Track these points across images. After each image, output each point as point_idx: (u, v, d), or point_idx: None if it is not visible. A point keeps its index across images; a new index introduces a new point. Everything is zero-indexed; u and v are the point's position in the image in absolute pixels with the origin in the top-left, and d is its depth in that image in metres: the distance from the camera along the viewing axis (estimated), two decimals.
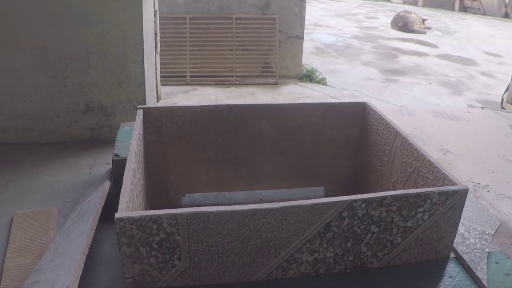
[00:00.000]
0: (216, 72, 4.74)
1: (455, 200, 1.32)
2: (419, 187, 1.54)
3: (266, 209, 1.16)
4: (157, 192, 1.82)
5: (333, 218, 1.21)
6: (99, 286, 1.38)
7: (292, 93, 4.56)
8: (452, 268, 1.40)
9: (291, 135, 1.83)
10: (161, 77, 4.60)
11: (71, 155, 2.26)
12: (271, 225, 1.18)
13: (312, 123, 1.83)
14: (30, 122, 2.30)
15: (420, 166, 1.53)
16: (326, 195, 1.95)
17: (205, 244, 1.18)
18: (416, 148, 1.55)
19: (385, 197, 1.23)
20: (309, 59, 5.49)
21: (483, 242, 1.52)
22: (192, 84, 4.66)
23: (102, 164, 2.18)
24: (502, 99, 4.17)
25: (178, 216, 1.13)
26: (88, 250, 1.31)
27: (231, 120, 1.76)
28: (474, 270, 1.37)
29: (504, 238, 1.91)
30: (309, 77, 4.87)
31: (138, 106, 1.72)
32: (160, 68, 4.58)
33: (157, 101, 2.82)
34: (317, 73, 4.93)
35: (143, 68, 2.25)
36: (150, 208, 1.79)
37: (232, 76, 4.74)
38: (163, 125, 1.74)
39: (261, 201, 1.92)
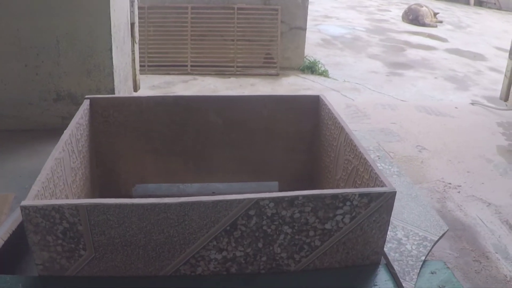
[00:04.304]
0: (217, 62, 4.72)
1: (380, 203, 1.26)
2: (356, 187, 1.48)
3: (165, 204, 1.14)
4: (107, 181, 1.83)
5: (239, 216, 1.18)
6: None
7: (292, 85, 4.49)
8: (380, 275, 1.34)
9: (241, 127, 1.80)
10: (162, 66, 4.64)
11: (41, 143, 2.29)
12: (172, 220, 1.16)
13: (262, 116, 1.80)
14: (4, 109, 2.35)
15: (358, 165, 1.47)
16: (280, 190, 1.90)
17: (108, 236, 1.17)
18: (355, 145, 1.49)
19: (296, 197, 1.19)
20: (314, 51, 5.39)
21: (421, 249, 1.44)
22: (192, 74, 4.65)
23: None
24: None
25: (78, 207, 1.13)
26: (8, 235, 1.33)
27: (178, 111, 1.75)
28: (402, 280, 1.31)
29: (466, 243, 1.83)
30: (311, 69, 4.78)
31: (86, 96, 1.73)
32: (161, 57, 4.64)
33: (135, 91, 2.83)
34: (320, 65, 4.83)
35: (111, 58, 2.26)
36: (100, 197, 1.80)
37: (233, 67, 4.71)
38: (110, 115, 1.74)
39: (213, 193, 1.90)
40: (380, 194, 1.25)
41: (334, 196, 1.21)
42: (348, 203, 1.23)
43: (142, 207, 1.14)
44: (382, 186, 1.30)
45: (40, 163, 2.16)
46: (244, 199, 1.16)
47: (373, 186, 1.35)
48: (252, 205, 1.17)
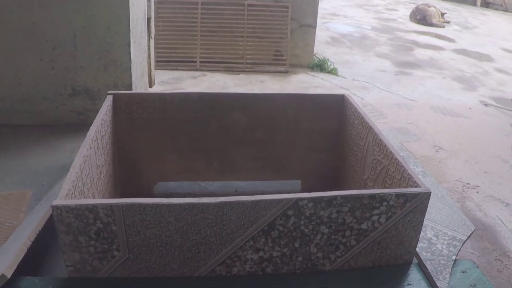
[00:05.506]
0: (226, 58, 4.69)
1: (415, 203, 1.24)
2: (386, 187, 1.46)
3: (204, 204, 1.12)
4: (129, 179, 1.81)
5: (278, 216, 1.16)
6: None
7: (301, 82, 4.47)
8: (413, 275, 1.32)
9: (265, 126, 1.78)
10: (171, 61, 4.61)
11: (56, 138, 2.27)
12: (210, 220, 1.14)
13: (287, 114, 1.77)
14: (18, 104, 2.32)
15: (388, 165, 1.45)
16: (303, 189, 1.90)
17: (143, 236, 1.15)
18: (385, 145, 1.47)
19: (334, 197, 1.17)
20: (322, 49, 5.37)
21: (451, 248, 1.43)
22: (201, 70, 4.62)
23: None
24: None
25: (113, 207, 1.11)
26: (35, 236, 1.30)
27: (202, 108, 1.72)
28: (435, 279, 1.29)
29: (487, 242, 1.82)
30: (320, 66, 4.76)
31: (108, 92, 1.71)
32: (170, 53, 4.60)
33: (150, 87, 2.80)
34: (329, 63, 4.81)
35: (129, 53, 2.23)
36: (122, 196, 1.78)
37: (242, 63, 4.68)
38: (133, 112, 1.72)
39: (236, 192, 1.88)
40: (416, 195, 1.23)
41: (372, 196, 1.20)
42: (384, 203, 1.21)
43: (180, 207, 1.11)
44: (416, 187, 1.28)
45: (55, 159, 2.17)
46: (283, 199, 1.14)
47: (405, 187, 1.34)
48: (291, 205, 1.15)
